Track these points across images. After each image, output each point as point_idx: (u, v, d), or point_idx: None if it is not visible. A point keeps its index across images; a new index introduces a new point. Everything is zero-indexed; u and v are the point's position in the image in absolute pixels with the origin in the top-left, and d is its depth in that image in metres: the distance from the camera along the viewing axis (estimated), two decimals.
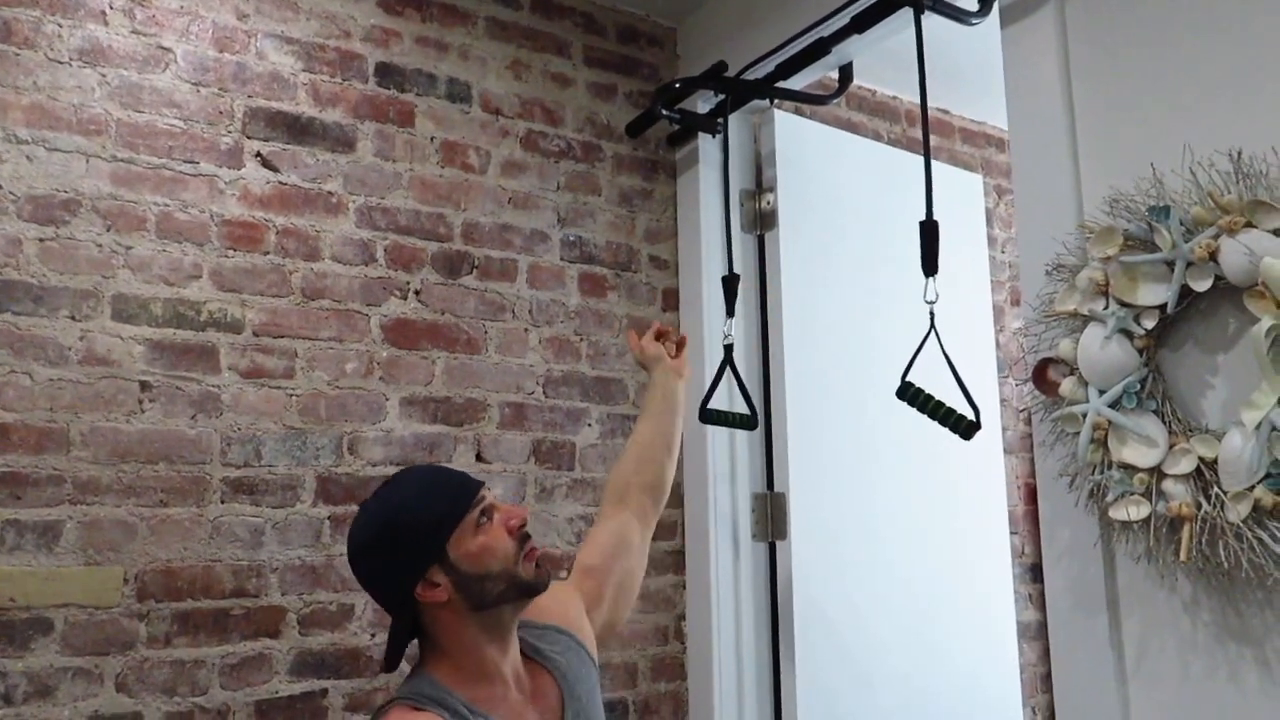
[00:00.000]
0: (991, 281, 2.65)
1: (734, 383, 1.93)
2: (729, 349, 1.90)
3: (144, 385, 1.65)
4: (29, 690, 1.50)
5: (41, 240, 1.61)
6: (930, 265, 1.53)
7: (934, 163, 1.58)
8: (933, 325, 1.50)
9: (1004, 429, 2.65)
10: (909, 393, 1.50)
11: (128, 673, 1.57)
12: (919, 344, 1.50)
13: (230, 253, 1.76)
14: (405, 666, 1.34)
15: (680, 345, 1.84)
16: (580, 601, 1.50)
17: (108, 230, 1.66)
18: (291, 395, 1.78)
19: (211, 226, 1.75)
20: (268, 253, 1.79)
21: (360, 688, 1.75)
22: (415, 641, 1.32)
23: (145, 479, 1.63)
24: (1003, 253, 2.87)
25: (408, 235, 1.94)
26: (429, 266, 1.95)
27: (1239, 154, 1.22)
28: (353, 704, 1.74)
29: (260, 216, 1.80)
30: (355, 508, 1.78)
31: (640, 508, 1.63)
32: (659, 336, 1.84)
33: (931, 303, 1.48)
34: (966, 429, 1.44)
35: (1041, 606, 2.70)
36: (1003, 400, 2.68)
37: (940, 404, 1.48)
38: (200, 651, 1.63)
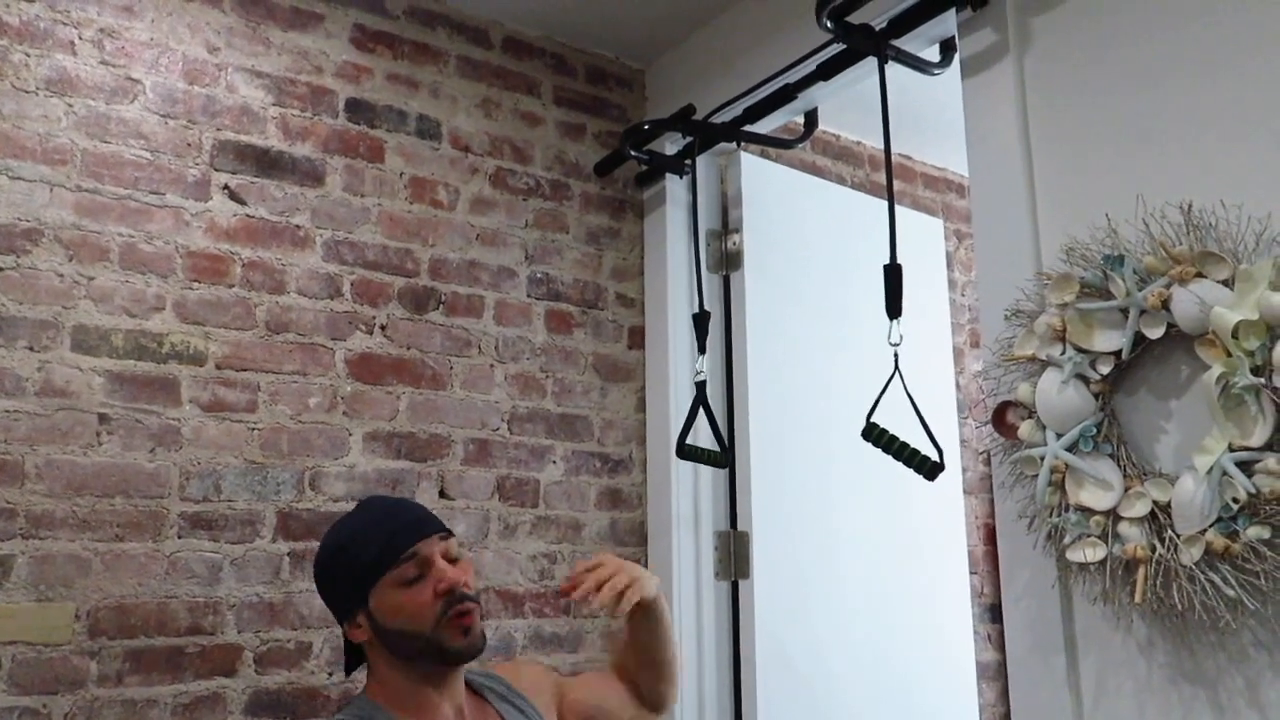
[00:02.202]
0: (952, 324, 2.69)
1: (705, 420, 1.93)
2: (701, 386, 1.91)
3: (102, 417, 1.63)
4: None
5: (1, 270, 1.59)
6: (894, 308, 1.55)
7: (897, 207, 1.61)
8: (896, 367, 1.52)
9: (964, 470, 2.69)
10: (874, 433, 1.52)
11: (77, 712, 1.53)
12: (883, 386, 1.52)
13: (194, 285, 1.75)
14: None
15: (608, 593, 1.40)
16: (553, 693, 1.50)
17: (70, 260, 1.64)
18: (253, 429, 1.76)
19: (176, 258, 1.74)
20: (233, 285, 1.78)
21: None
22: None
23: (101, 513, 1.60)
24: (963, 296, 2.92)
25: (375, 270, 1.93)
26: (396, 301, 1.95)
27: (1189, 206, 1.26)
28: None
29: (226, 249, 1.79)
30: (315, 544, 1.77)
31: (642, 697, 1.55)
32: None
33: (895, 345, 1.51)
34: (930, 470, 1.46)
35: (1001, 647, 2.71)
36: (963, 441, 2.71)
37: (905, 445, 1.50)
38: (153, 690, 1.60)
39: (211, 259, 1.77)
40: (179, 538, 1.66)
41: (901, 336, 1.52)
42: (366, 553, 1.29)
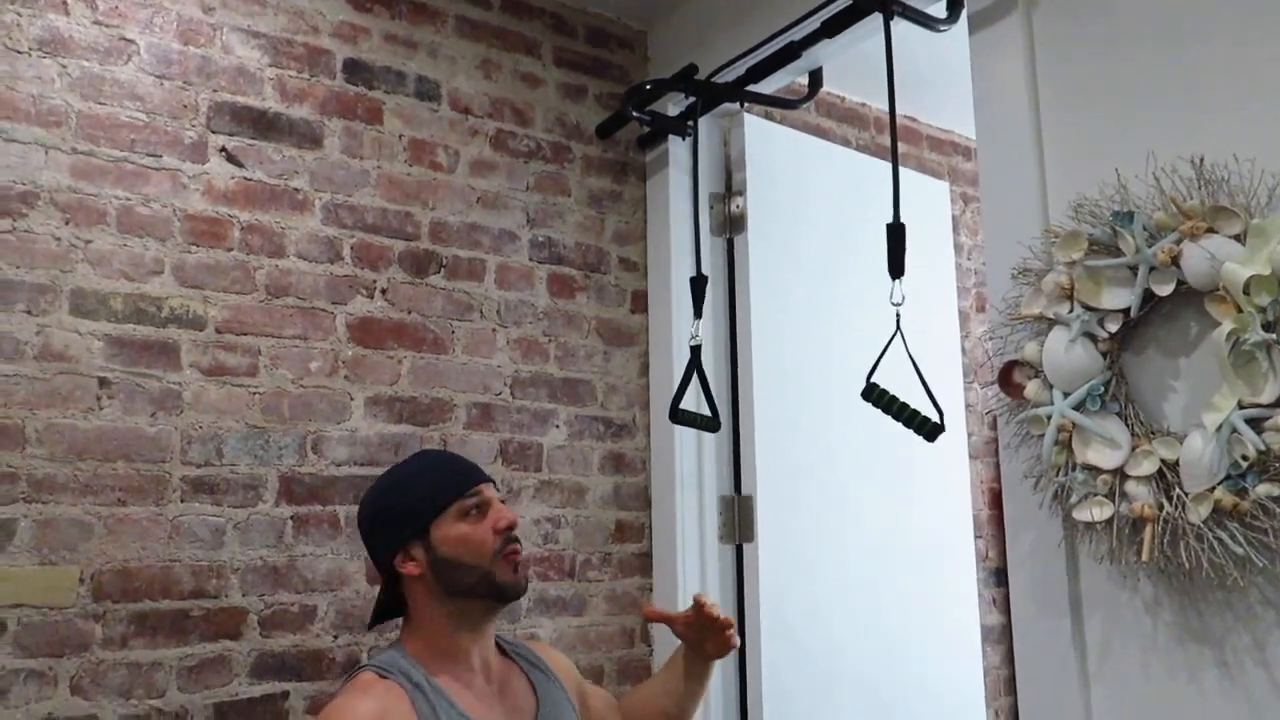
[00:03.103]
0: (957, 288, 2.67)
1: (699, 384, 1.92)
2: (696, 350, 1.90)
3: (102, 382, 1.62)
4: None
5: None
6: (896, 267, 1.54)
7: (901, 169, 1.59)
8: (898, 327, 1.51)
9: (969, 434, 2.67)
10: (874, 394, 1.51)
11: (83, 675, 1.54)
12: (884, 346, 1.51)
13: (193, 248, 1.73)
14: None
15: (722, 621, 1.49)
16: (575, 686, 1.52)
17: (67, 224, 1.63)
18: (254, 393, 1.75)
19: (174, 221, 1.72)
20: (231, 249, 1.77)
21: (323, 690, 1.73)
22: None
23: (103, 477, 1.60)
24: (969, 259, 2.90)
25: (375, 234, 1.92)
26: (396, 265, 1.93)
27: (1201, 160, 1.24)
28: (315, 707, 1.71)
29: (224, 212, 1.77)
30: (319, 508, 1.77)
31: None
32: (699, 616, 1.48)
33: (898, 305, 1.49)
34: (930, 431, 1.45)
35: (1005, 610, 2.72)
36: (968, 405, 2.70)
37: (905, 406, 1.48)
38: (158, 653, 1.60)
39: (210, 222, 1.75)
40: (181, 502, 1.66)
41: (904, 296, 1.50)
42: (434, 484, 1.37)
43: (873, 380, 1.51)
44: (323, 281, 1.85)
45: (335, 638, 1.76)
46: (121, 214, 1.67)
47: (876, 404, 1.51)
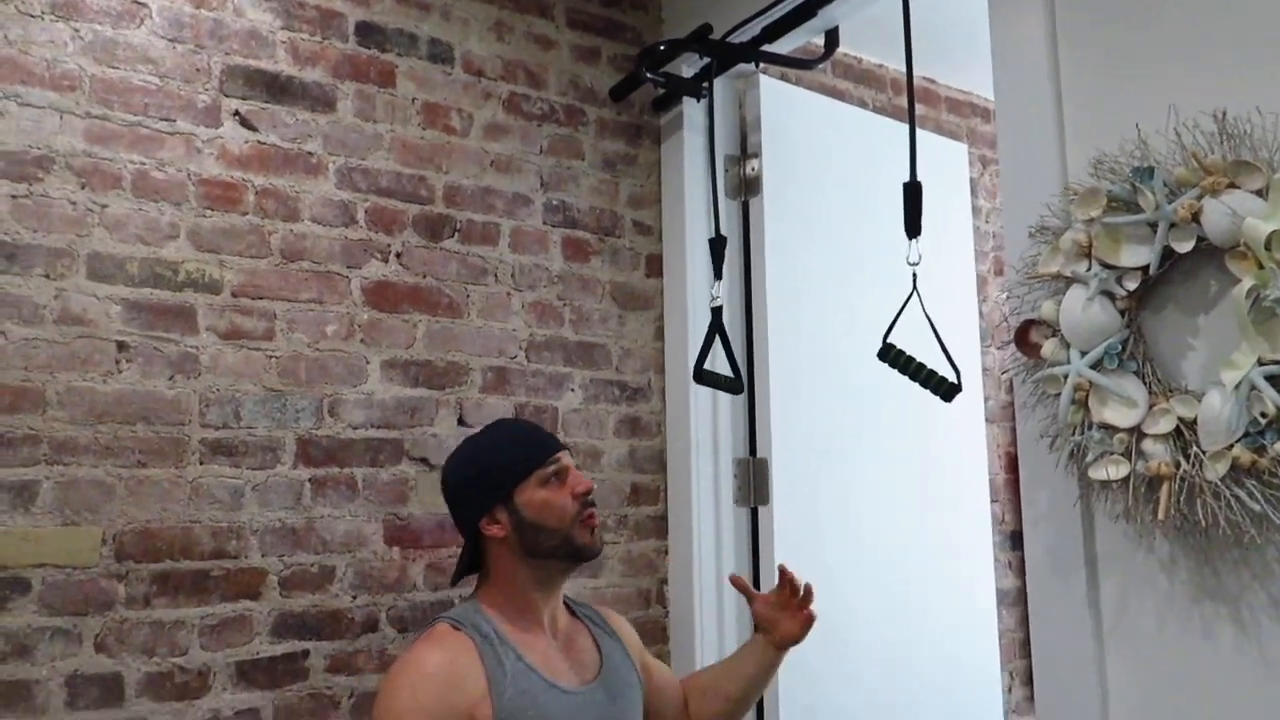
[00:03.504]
0: (975, 252, 2.65)
1: (720, 346, 1.92)
2: (717, 312, 1.89)
3: (121, 345, 1.63)
4: (6, 649, 1.49)
5: (14, 197, 1.58)
6: (913, 227, 1.52)
7: (919, 131, 1.57)
8: (915, 287, 1.50)
9: (986, 398, 2.66)
10: (890, 354, 1.50)
11: (107, 633, 1.56)
12: (901, 306, 1.50)
13: (208, 212, 1.73)
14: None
15: (802, 595, 1.59)
16: (638, 652, 1.59)
17: (82, 188, 1.63)
18: (271, 357, 1.76)
19: (189, 186, 1.72)
20: (246, 213, 1.77)
21: (342, 649, 1.75)
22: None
23: (123, 439, 1.61)
24: (987, 223, 2.87)
25: (388, 197, 1.91)
26: (410, 229, 1.93)
27: (1223, 114, 1.22)
28: (334, 665, 1.74)
29: (239, 176, 1.77)
30: (336, 470, 1.79)
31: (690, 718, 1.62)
32: (785, 589, 1.59)
33: (914, 265, 1.48)
34: (947, 391, 1.44)
35: (1021, 573, 2.72)
36: (985, 369, 2.69)
37: (921, 366, 1.48)
38: (180, 612, 1.63)
39: (224, 186, 1.75)
40: (200, 464, 1.67)
41: (920, 256, 1.49)
42: (517, 451, 1.45)
43: (889, 341, 1.51)
44: (337, 245, 1.85)
45: (354, 598, 1.78)
46: (136, 178, 1.68)
47: (893, 364, 1.50)
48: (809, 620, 1.59)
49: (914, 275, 1.49)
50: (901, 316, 1.50)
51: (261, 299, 1.76)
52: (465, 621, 1.39)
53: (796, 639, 1.59)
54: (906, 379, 1.50)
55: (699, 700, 1.62)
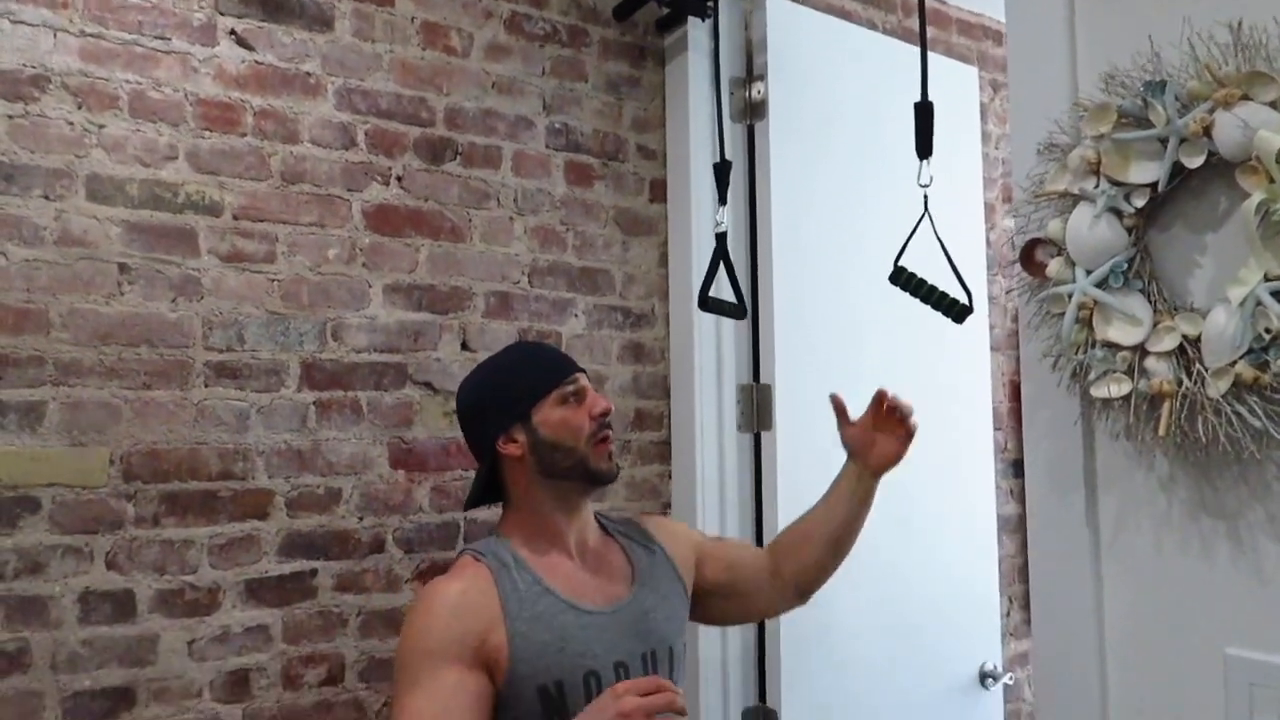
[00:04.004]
0: (984, 179, 2.61)
1: (725, 272, 1.91)
2: (721, 237, 1.88)
3: (122, 267, 1.63)
4: (19, 566, 1.51)
5: (10, 117, 1.56)
6: (925, 148, 1.50)
7: (930, 54, 1.54)
8: (926, 209, 1.48)
9: (991, 326, 2.65)
10: (902, 277, 1.49)
11: (117, 551, 1.59)
12: (913, 228, 1.48)
13: (206, 134, 1.72)
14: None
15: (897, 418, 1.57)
16: (692, 545, 1.60)
17: (79, 108, 1.61)
18: (273, 280, 1.76)
19: (186, 106, 1.70)
20: (245, 134, 1.75)
21: (349, 569, 1.78)
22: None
23: (127, 361, 1.62)
24: (996, 149, 2.83)
25: (389, 119, 1.89)
26: (411, 152, 1.91)
27: (1239, 24, 1.19)
28: (341, 584, 1.77)
29: (236, 97, 1.75)
30: (341, 393, 1.80)
31: (783, 578, 1.63)
32: (882, 411, 1.57)
33: (925, 186, 1.46)
34: (959, 312, 1.43)
35: (1022, 500, 2.74)
36: (991, 298, 2.67)
37: (933, 288, 1.47)
38: (189, 532, 1.65)
39: (222, 107, 1.73)
40: (205, 386, 1.68)
41: (931, 178, 1.47)
42: (536, 371, 1.45)
43: (900, 264, 1.49)
44: (338, 168, 1.83)
45: (360, 519, 1.80)
46: (133, 98, 1.66)
47: (905, 287, 1.49)
48: (909, 435, 1.54)
49: (925, 197, 1.47)
50: (909, 241, 1.49)
51: (262, 221, 1.75)
52: (487, 552, 1.40)
53: (896, 458, 1.55)
54: (917, 302, 1.50)
55: (792, 556, 1.61)
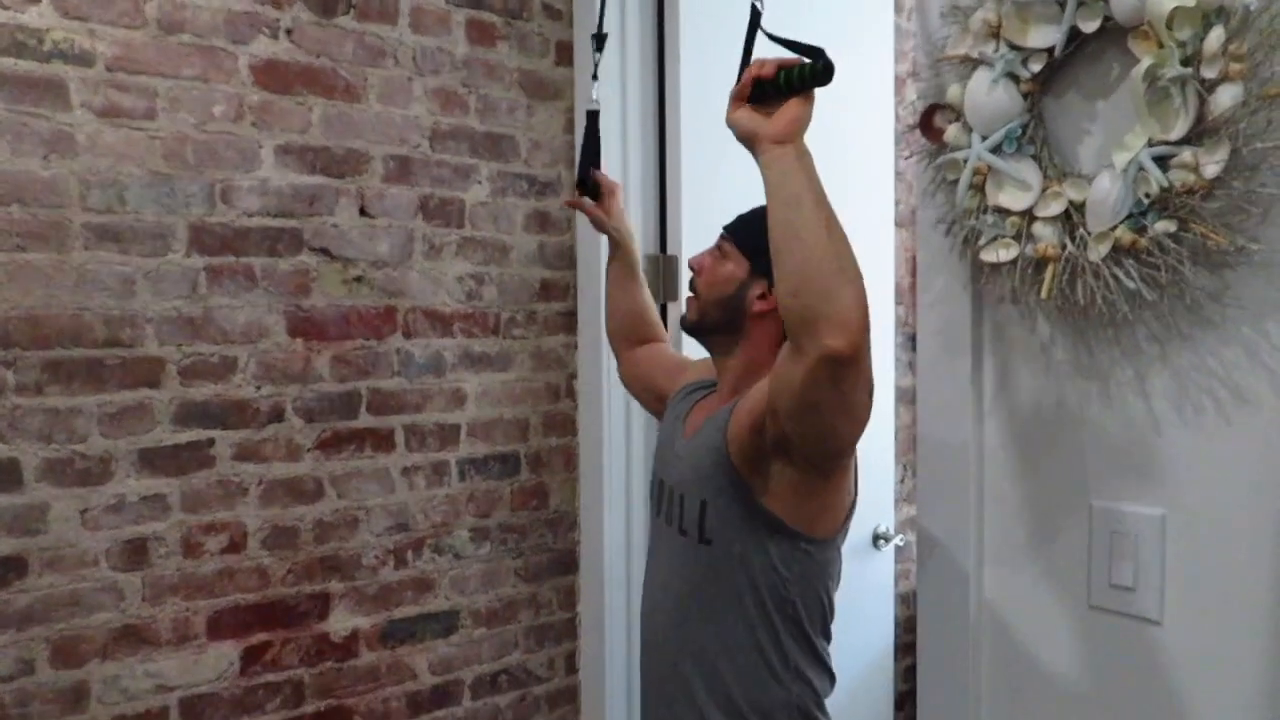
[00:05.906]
0: (895, 51, 2.60)
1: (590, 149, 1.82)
2: (593, 116, 1.80)
3: None
4: None
5: None
6: None
7: None
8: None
9: (896, 202, 2.68)
10: (762, 87, 1.35)
11: None
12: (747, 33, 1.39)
13: None
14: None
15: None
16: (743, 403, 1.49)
17: None
18: (154, 138, 1.66)
19: None
20: None
21: (248, 438, 1.76)
22: None
23: None
24: (909, 20, 2.80)
25: None
26: (300, 3, 1.80)
27: None
28: (241, 454, 1.75)
29: None
30: (232, 259, 1.73)
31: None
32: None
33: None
34: (824, 70, 1.25)
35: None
36: (898, 174, 2.69)
37: (788, 73, 1.33)
38: (75, 400, 1.60)
39: None
40: (85, 249, 1.60)
41: None
42: None
43: (759, 78, 1.34)
44: (220, 18, 1.72)
45: (258, 388, 1.77)
46: None
47: (777, 94, 1.33)
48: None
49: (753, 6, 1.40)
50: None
51: (140, 74, 1.65)
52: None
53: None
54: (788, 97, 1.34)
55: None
